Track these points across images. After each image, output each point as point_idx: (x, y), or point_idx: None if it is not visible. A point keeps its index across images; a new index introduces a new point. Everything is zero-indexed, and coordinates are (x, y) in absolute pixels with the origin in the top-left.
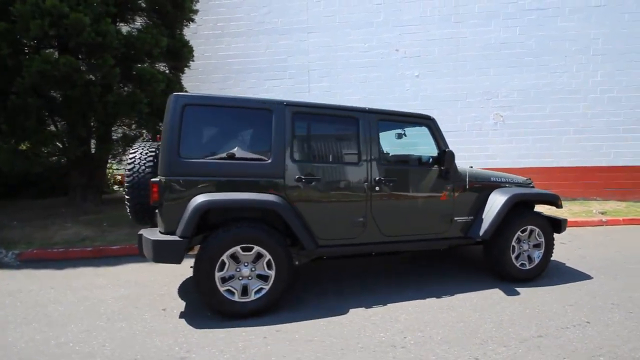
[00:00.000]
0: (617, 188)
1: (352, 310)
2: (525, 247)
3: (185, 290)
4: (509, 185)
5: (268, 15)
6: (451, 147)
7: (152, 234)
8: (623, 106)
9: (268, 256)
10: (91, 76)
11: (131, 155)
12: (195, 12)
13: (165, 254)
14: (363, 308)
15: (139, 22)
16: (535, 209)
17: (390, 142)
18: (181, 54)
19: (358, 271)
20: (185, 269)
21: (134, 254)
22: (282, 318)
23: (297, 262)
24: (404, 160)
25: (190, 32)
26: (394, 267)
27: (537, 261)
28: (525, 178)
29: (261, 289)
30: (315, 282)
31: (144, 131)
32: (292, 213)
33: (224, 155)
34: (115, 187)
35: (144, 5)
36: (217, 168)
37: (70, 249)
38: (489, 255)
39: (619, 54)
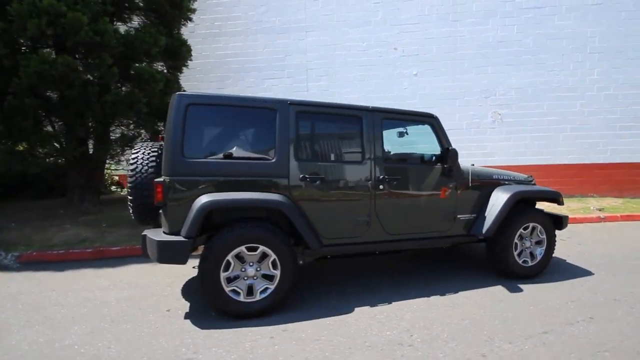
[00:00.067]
0: (614, 185)
1: (357, 309)
2: (528, 244)
3: (188, 290)
4: (511, 183)
5: (266, 14)
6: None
7: (157, 235)
8: (620, 104)
9: (273, 256)
10: (89, 76)
11: (133, 156)
12: (193, 11)
13: (170, 254)
14: (368, 307)
15: (136, 21)
16: (536, 206)
17: (390, 141)
18: (179, 54)
19: (361, 270)
20: (187, 269)
21: (135, 255)
22: (287, 318)
23: (301, 262)
24: (407, 159)
25: (187, 31)
26: (397, 265)
27: (539, 258)
28: (526, 175)
29: (266, 288)
30: (318, 281)
31: (142, 131)
32: (296, 212)
33: (228, 154)
34: (113, 188)
35: (141, 4)
36: (221, 168)
37: (70, 251)
38: (491, 253)
39: (616, 52)
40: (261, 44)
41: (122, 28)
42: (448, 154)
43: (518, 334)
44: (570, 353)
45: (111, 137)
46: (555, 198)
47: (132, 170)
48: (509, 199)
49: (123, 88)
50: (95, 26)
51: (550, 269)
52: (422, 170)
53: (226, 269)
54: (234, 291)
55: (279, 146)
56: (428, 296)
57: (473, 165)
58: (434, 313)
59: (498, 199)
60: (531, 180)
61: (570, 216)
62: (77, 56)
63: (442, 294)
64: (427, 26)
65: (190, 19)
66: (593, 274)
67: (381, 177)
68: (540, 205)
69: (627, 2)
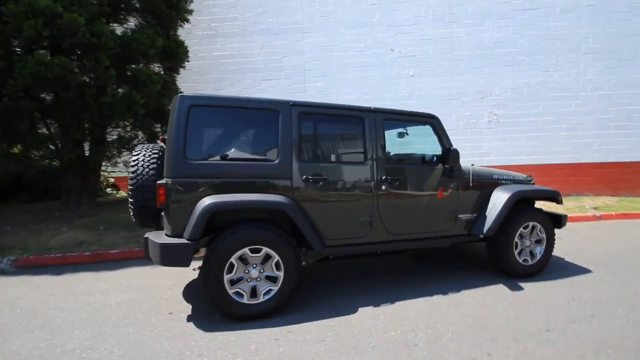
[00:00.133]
0: (608, 183)
1: (360, 310)
2: (528, 243)
3: (189, 293)
4: (511, 183)
5: (263, 15)
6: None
7: (159, 237)
8: (613, 103)
9: (276, 257)
10: (85, 78)
11: (134, 158)
12: (190, 12)
13: (173, 257)
14: (371, 307)
15: (132, 22)
16: (535, 206)
17: (390, 141)
18: (176, 55)
19: (362, 270)
20: (187, 271)
21: (134, 258)
22: (291, 319)
23: (304, 263)
24: (409, 159)
25: (184, 33)
26: (398, 265)
27: (539, 257)
28: (525, 175)
29: (270, 290)
30: (320, 282)
31: (139, 133)
32: (300, 214)
33: (230, 156)
34: (109, 190)
35: (137, 5)
36: (223, 169)
37: (68, 254)
38: (492, 252)
39: (609, 52)
40: (258, 45)
41: (118, 29)
42: (450, 154)
43: (521, 333)
44: (573, 351)
45: (107, 139)
46: (555, 197)
47: (132, 173)
48: (509, 199)
49: (119, 90)
50: (92, 27)
51: (549, 268)
52: (423, 171)
53: (229, 271)
54: (237, 293)
55: (281, 147)
56: (430, 295)
57: (473, 165)
58: (437, 312)
59: (499, 199)
60: (530, 180)
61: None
62: (73, 57)
63: (445, 294)
64: (423, 27)
65: (187, 20)
66: (592, 272)
67: (383, 177)
68: (539, 204)
69: (619, 4)
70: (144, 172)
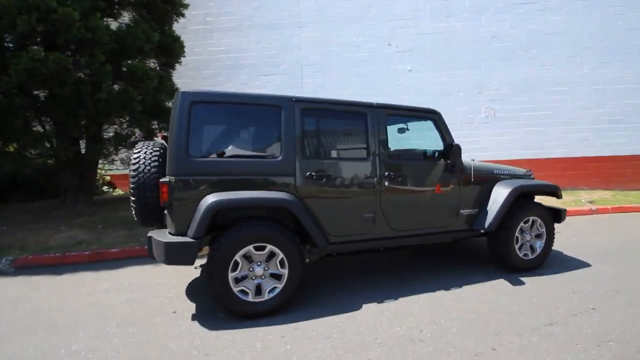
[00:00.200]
0: (603, 177)
1: (364, 306)
2: (528, 237)
3: (192, 291)
4: (511, 177)
5: (259, 9)
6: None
7: (163, 236)
8: (608, 98)
9: (281, 255)
10: (80, 74)
11: (135, 155)
12: (186, 6)
13: (177, 255)
14: (375, 303)
15: (126, 17)
16: (534, 200)
17: (392, 137)
18: (172, 50)
19: (364, 267)
20: (189, 270)
21: (134, 257)
22: (296, 316)
23: (307, 260)
24: (411, 155)
25: (179, 27)
26: (399, 261)
27: (539, 251)
28: (525, 170)
29: (274, 287)
30: (323, 279)
31: (136, 130)
32: (304, 210)
33: (233, 153)
34: (105, 188)
35: None
36: (226, 166)
37: (67, 254)
38: (493, 247)
39: (604, 47)
40: (254, 40)
41: (112, 24)
42: (452, 150)
43: (525, 327)
44: (576, 344)
45: (104, 137)
46: (554, 192)
47: (134, 171)
48: (510, 194)
49: (115, 86)
50: (87, 22)
51: (549, 262)
52: (426, 166)
53: (234, 269)
54: (242, 291)
55: (284, 144)
56: (433, 291)
57: (473, 160)
58: (440, 308)
59: (499, 194)
60: (530, 175)
61: None
62: (67, 53)
63: (447, 289)
64: (420, 22)
65: (183, 15)
66: (590, 265)
67: (386, 173)
68: (537, 198)
69: None
70: (145, 170)
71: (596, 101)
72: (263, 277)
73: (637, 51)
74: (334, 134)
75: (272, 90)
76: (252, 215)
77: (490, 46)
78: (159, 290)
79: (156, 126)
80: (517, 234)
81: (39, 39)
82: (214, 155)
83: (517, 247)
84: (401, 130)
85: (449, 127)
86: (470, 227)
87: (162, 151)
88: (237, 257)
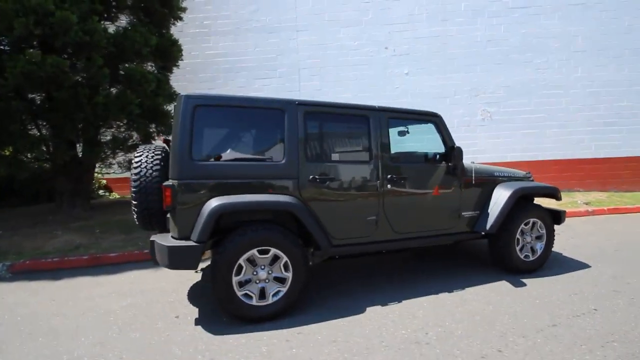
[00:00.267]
0: (598, 179)
1: (368, 309)
2: (528, 239)
3: (194, 295)
4: (511, 180)
5: (256, 13)
6: (438, 144)
7: (166, 240)
8: (602, 100)
9: (285, 258)
10: (78, 77)
11: (137, 159)
12: (184, 10)
13: (181, 260)
14: (379, 306)
15: (124, 20)
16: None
17: (393, 140)
18: (170, 53)
19: (366, 269)
20: (189, 274)
21: (133, 261)
22: (300, 320)
23: (310, 263)
24: (413, 158)
25: (176, 31)
26: (401, 264)
27: (539, 252)
28: (525, 172)
29: (278, 291)
30: (326, 282)
31: (133, 133)
32: (307, 213)
33: (237, 156)
34: (101, 192)
35: (130, 2)
36: (230, 170)
37: (65, 258)
38: (494, 249)
39: (598, 50)
40: (252, 44)
41: (110, 28)
42: (453, 153)
43: (529, 328)
44: (581, 345)
45: (101, 140)
46: (554, 193)
47: (136, 174)
48: (511, 196)
49: (112, 89)
50: (85, 25)
51: (548, 263)
52: (428, 169)
53: (238, 272)
54: (246, 295)
55: (287, 147)
56: (436, 293)
57: (473, 163)
58: (444, 310)
59: (500, 196)
60: (529, 177)
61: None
62: (64, 57)
63: (450, 291)
64: (417, 26)
65: (180, 18)
66: (590, 266)
67: (389, 176)
68: (536, 200)
69: (608, 3)
70: (147, 174)
71: (591, 104)
72: (267, 280)
73: (631, 54)
74: (337, 137)
75: (269, 93)
76: (255, 219)
77: (486, 50)
78: (159, 294)
79: (154, 129)
80: (517, 235)
81: (35, 42)
82: (218, 159)
83: (517, 248)
84: (401, 133)
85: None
86: (472, 230)
87: (163, 155)
88: (241, 260)
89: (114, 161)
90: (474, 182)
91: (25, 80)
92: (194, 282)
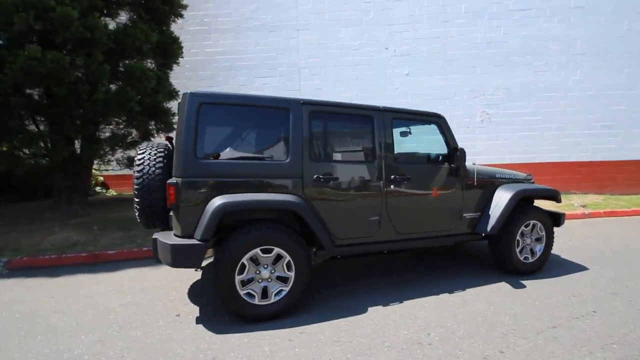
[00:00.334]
0: (595, 182)
1: (370, 309)
2: (528, 241)
3: (194, 294)
4: (512, 182)
5: (257, 11)
6: (440, 144)
7: (169, 238)
8: (600, 104)
9: (288, 257)
10: (78, 73)
11: (140, 156)
12: (185, 7)
13: (185, 258)
14: (380, 306)
15: (124, 17)
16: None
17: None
18: (171, 51)
19: (367, 269)
20: (188, 272)
21: (132, 259)
22: (302, 320)
23: (312, 263)
24: (416, 158)
25: (176, 28)
26: (401, 264)
27: (539, 254)
28: (525, 174)
29: (281, 290)
30: (328, 282)
31: (132, 130)
32: (311, 213)
33: (241, 155)
34: (98, 189)
35: None
36: (234, 168)
37: (63, 255)
38: (495, 250)
39: (596, 54)
40: (252, 42)
41: (110, 24)
42: (456, 154)
43: (529, 330)
44: (581, 347)
45: (100, 137)
46: (554, 196)
47: (138, 172)
48: (512, 198)
49: (111, 86)
50: (86, 21)
51: (547, 265)
52: (430, 170)
53: (241, 271)
54: (248, 294)
55: (292, 146)
56: (437, 294)
57: (474, 164)
58: (445, 311)
59: (502, 198)
60: (530, 179)
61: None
62: (63, 52)
63: (450, 292)
64: (417, 26)
65: (181, 15)
66: (588, 268)
67: (392, 176)
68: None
69: (607, 7)
70: (150, 171)
71: (589, 107)
72: (269, 279)
73: (629, 58)
74: (341, 137)
75: (269, 92)
76: (258, 218)
77: (485, 52)
78: (159, 293)
79: (153, 127)
80: (518, 237)
81: (34, 38)
82: (222, 157)
83: (518, 250)
84: (404, 134)
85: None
86: (473, 231)
87: (166, 152)
88: (244, 259)
89: (112, 158)
90: (475, 183)
91: (25, 76)
92: (194, 280)
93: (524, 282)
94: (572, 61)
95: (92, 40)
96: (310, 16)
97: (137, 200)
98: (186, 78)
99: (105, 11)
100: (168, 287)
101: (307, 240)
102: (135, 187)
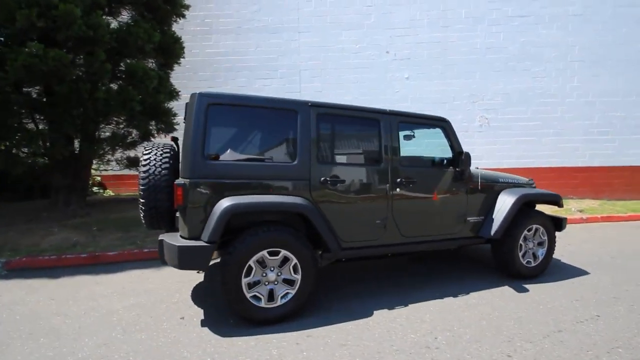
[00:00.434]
0: (591, 187)
1: (375, 312)
2: (531, 245)
3: (198, 296)
4: (515, 186)
5: (258, 13)
6: (439, 148)
7: (175, 240)
8: (597, 110)
9: (294, 260)
10: (79, 72)
11: (146, 157)
12: (187, 7)
13: (191, 260)
14: (386, 309)
15: (125, 16)
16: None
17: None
18: (173, 51)
19: (370, 272)
20: (191, 274)
21: (133, 260)
22: (308, 323)
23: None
24: (421, 162)
25: (177, 28)
26: (404, 267)
27: (541, 258)
28: (527, 179)
29: (287, 293)
30: (332, 285)
31: (133, 130)
32: (318, 216)
33: (249, 156)
34: (95, 189)
35: None
36: (242, 170)
37: (63, 256)
38: (497, 254)
39: (593, 61)
40: (253, 43)
41: (112, 23)
42: (461, 158)
43: (535, 334)
44: (587, 350)
45: (100, 136)
46: (556, 200)
47: (144, 172)
48: (515, 202)
49: (112, 85)
50: (88, 19)
51: (548, 269)
52: (435, 174)
53: (247, 274)
54: (255, 297)
55: (300, 148)
56: (441, 298)
57: (478, 168)
58: (451, 315)
59: (505, 202)
60: (532, 184)
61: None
62: (64, 50)
63: (454, 295)
64: (418, 31)
65: (183, 15)
66: (589, 273)
67: (398, 179)
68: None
69: (605, 14)
70: (156, 172)
71: (586, 113)
72: (276, 282)
73: (625, 65)
74: (348, 140)
75: (270, 94)
76: (265, 220)
77: (485, 57)
78: (162, 295)
79: (154, 127)
80: (521, 241)
81: (35, 36)
82: (230, 158)
83: (520, 254)
84: (407, 137)
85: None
86: (476, 234)
87: (172, 153)
88: (252, 262)
89: (112, 158)
90: (479, 187)
91: (26, 74)
92: (197, 282)
93: (526, 286)
94: (570, 68)
95: (94, 38)
96: (311, 19)
97: (142, 201)
98: (186, 78)
99: (107, 9)
100: (171, 289)
101: (312, 243)
102: (141, 187)
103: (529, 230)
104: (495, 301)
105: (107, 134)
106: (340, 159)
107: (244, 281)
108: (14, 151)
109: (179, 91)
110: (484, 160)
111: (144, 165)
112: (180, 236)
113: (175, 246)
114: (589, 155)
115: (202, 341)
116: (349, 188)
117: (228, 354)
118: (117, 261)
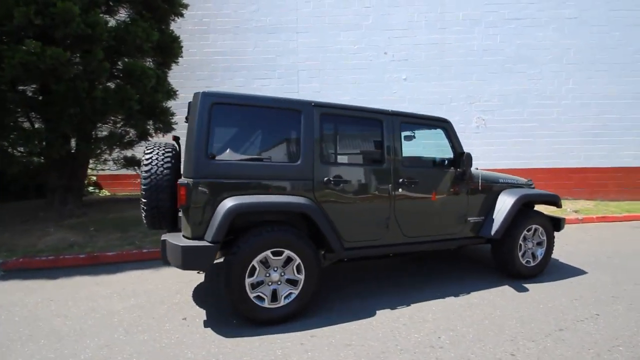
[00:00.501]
0: (586, 188)
1: (378, 312)
2: (530, 245)
3: (199, 297)
4: (515, 187)
5: (256, 13)
6: (437, 149)
7: (178, 240)
8: (592, 112)
9: (298, 260)
10: (77, 70)
11: (147, 156)
12: (186, 6)
13: (195, 260)
14: (388, 309)
15: (123, 14)
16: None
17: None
18: (171, 50)
19: (372, 272)
20: (191, 275)
21: (132, 261)
22: (311, 323)
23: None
24: (422, 162)
25: (174, 27)
26: (405, 267)
27: (540, 258)
28: (527, 179)
29: (290, 293)
30: (334, 285)
31: (130, 130)
32: (322, 216)
33: (253, 156)
34: (91, 189)
35: None
36: (245, 170)
37: (61, 257)
38: (497, 254)
39: (589, 63)
40: (251, 43)
41: (110, 21)
42: (463, 158)
43: (537, 332)
44: (589, 349)
45: (98, 136)
46: (555, 201)
47: (146, 172)
48: (515, 202)
49: (109, 84)
50: (87, 18)
51: (547, 269)
52: (437, 174)
53: (251, 274)
54: (258, 297)
55: (303, 148)
56: (443, 297)
57: (478, 169)
58: (453, 314)
59: (505, 202)
60: (531, 184)
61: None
62: (61, 48)
63: (456, 295)
64: (416, 32)
65: (182, 15)
66: (587, 272)
67: (400, 180)
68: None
69: (600, 18)
70: (158, 172)
71: (581, 115)
72: (279, 282)
73: (620, 68)
74: (350, 140)
75: (268, 94)
76: (268, 220)
77: (482, 59)
78: (163, 295)
79: (151, 126)
80: (520, 241)
81: (31, 34)
82: (233, 158)
83: (520, 254)
84: (408, 138)
85: (442, 135)
86: (477, 235)
87: (174, 152)
88: (255, 262)
89: (109, 158)
90: (480, 188)
91: (23, 72)
92: (197, 282)
93: (526, 285)
94: (566, 70)
95: (92, 37)
96: (310, 19)
97: (144, 200)
98: (184, 78)
99: (105, 8)
100: (171, 289)
101: (315, 243)
102: (143, 187)
103: (528, 231)
104: (496, 301)
105: (105, 133)
106: (343, 159)
107: (248, 281)
108: (9, 150)
109: (177, 90)
110: (480, 161)
111: (146, 165)
112: (183, 236)
113: (178, 246)
114: (584, 157)
115: (205, 342)
116: (351, 188)
117: (233, 354)
118: (116, 262)
